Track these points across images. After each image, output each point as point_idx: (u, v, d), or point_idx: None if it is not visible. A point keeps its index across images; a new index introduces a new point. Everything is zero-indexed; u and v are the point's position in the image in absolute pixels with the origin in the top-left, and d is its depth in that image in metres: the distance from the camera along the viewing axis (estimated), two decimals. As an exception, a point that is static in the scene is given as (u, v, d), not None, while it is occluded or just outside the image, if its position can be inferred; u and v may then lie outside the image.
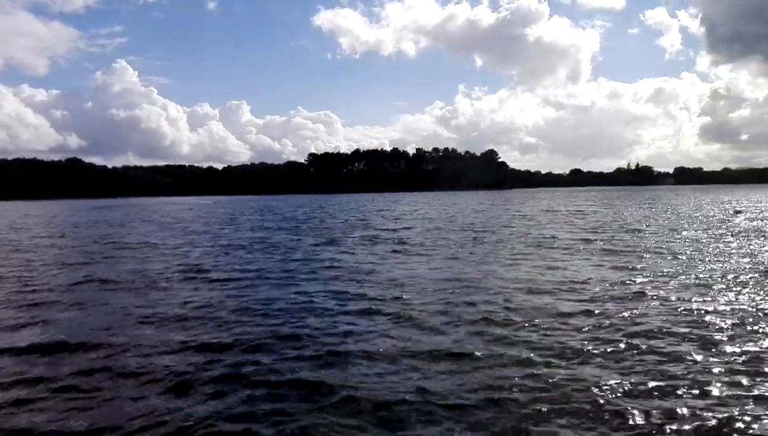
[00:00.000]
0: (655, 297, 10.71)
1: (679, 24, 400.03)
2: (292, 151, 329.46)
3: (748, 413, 5.48)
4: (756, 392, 5.97)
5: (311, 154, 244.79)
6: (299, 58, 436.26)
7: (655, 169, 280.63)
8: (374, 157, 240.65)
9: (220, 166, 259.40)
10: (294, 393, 6.25)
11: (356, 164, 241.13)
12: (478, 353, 7.41)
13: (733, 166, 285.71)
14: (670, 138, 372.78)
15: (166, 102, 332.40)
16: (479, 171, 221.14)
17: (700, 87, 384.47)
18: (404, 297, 11.12)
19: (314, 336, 8.49)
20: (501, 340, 8.06)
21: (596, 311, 9.62)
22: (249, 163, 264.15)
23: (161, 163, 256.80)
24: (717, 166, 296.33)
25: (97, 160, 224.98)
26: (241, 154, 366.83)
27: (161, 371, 7.02)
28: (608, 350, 7.46)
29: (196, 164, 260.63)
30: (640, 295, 10.94)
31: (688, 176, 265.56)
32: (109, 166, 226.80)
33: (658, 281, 12.34)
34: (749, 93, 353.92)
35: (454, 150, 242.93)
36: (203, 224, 38.32)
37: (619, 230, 26.56)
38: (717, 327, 8.46)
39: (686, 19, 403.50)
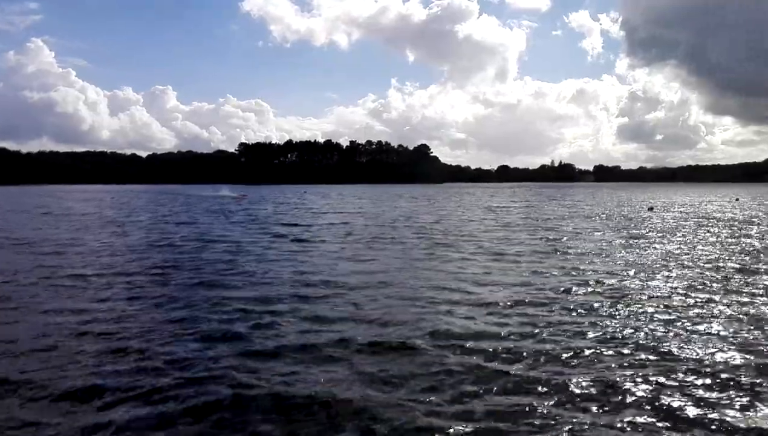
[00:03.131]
0: (557, 299, 10.92)
1: (601, 27, 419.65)
2: (221, 139, 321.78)
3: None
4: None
5: (242, 144, 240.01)
6: (228, 45, 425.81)
7: (577, 166, 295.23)
8: (307, 148, 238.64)
9: (144, 154, 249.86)
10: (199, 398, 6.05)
11: (289, 155, 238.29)
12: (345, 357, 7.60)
13: (648, 165, 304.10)
14: (591, 137, 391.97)
15: (84, 85, 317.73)
16: (412, 165, 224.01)
17: (618, 89, 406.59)
18: (292, 295, 10.96)
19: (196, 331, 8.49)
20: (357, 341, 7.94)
21: (496, 314, 9.80)
22: (175, 151, 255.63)
23: (79, 149, 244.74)
24: (633, 165, 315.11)
25: (9, 145, 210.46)
26: (166, 141, 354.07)
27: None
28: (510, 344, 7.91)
29: (118, 151, 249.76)
30: (553, 293, 11.47)
31: (607, 174, 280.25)
32: (24, 151, 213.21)
33: (561, 280, 12.93)
34: (664, 96, 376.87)
35: (387, 143, 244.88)
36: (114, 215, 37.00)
37: (543, 227, 27.89)
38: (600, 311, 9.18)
39: (607, 23, 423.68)
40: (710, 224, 28.36)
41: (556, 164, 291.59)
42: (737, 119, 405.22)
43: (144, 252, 17.51)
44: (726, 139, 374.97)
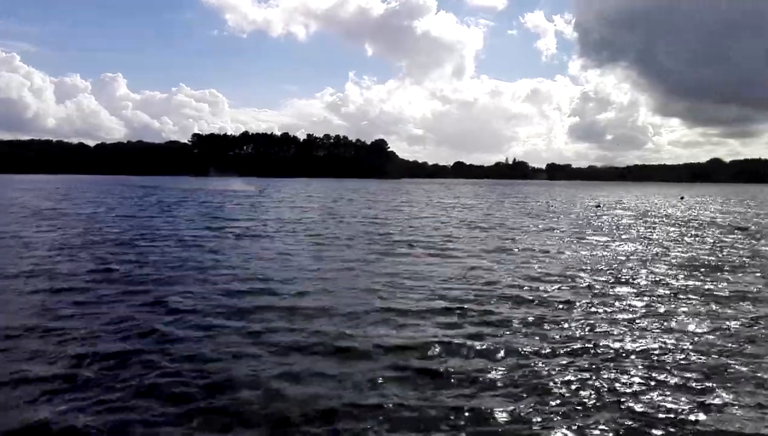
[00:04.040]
0: (510, 298, 11.04)
1: (555, 28, 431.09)
2: (173, 130, 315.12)
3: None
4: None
5: (195, 135, 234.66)
6: (182, 33, 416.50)
7: (530, 164, 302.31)
8: (263, 141, 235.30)
9: (91, 143, 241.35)
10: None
11: (244, 147, 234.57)
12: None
13: (598, 164, 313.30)
14: (544, 136, 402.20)
15: (30, 70, 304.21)
16: (369, 160, 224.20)
17: (571, 89, 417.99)
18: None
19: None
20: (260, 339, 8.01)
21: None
22: (125, 141, 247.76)
23: (23, 137, 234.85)
24: (584, 164, 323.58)
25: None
26: (115, 130, 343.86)
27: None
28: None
29: (64, 140, 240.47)
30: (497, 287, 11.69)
31: (559, 172, 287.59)
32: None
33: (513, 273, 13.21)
34: (614, 97, 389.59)
35: (345, 138, 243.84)
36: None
37: (498, 224, 28.25)
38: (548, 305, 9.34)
39: (561, 24, 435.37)
40: (657, 221, 29.30)
41: (511, 162, 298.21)
42: (684, 121, 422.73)
43: (82, 248, 16.56)
44: (672, 140, 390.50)
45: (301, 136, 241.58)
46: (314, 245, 17.82)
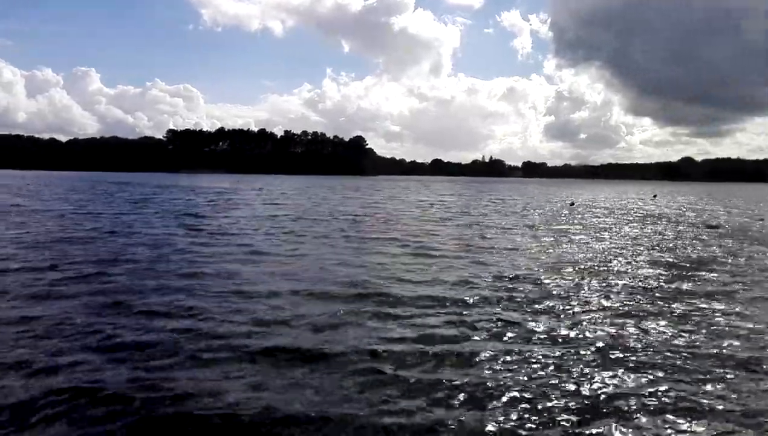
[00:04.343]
0: (484, 297, 11.08)
1: (531, 28, 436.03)
2: (148, 125, 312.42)
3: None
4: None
5: (170, 131, 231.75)
6: (157, 27, 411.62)
7: (506, 162, 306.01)
8: (240, 137, 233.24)
9: (63, 139, 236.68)
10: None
11: (220, 143, 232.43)
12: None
13: (573, 162, 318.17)
14: (519, 134, 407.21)
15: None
16: (347, 156, 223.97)
17: (546, 88, 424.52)
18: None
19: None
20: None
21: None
22: (98, 137, 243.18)
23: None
24: (559, 162, 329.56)
25: None
26: (87, 125, 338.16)
27: None
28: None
29: (35, 135, 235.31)
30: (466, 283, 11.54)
31: (534, 170, 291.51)
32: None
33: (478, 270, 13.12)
34: (588, 96, 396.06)
35: (323, 134, 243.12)
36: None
37: (476, 223, 28.22)
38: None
39: (537, 24, 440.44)
40: (630, 219, 29.58)
41: (487, 160, 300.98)
42: (655, 121, 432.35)
43: (47, 246, 15.85)
44: (644, 139, 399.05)
45: (279, 132, 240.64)
46: (289, 243, 17.49)
